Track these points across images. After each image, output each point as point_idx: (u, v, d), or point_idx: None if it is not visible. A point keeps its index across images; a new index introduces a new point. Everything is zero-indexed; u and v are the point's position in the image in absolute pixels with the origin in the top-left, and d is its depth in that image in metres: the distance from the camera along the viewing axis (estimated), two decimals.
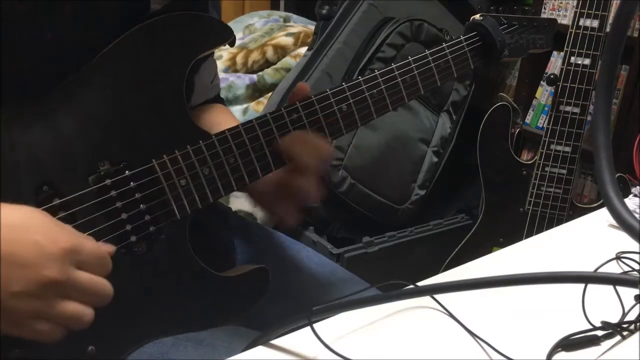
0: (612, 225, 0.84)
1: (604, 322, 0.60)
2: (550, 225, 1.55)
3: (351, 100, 0.77)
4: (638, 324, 0.60)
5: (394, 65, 0.81)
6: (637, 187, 0.96)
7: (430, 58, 0.83)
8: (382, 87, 0.79)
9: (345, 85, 0.77)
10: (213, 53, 0.88)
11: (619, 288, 0.66)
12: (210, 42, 0.70)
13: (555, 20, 0.99)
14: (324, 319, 0.61)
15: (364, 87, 0.78)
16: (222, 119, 0.84)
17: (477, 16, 0.90)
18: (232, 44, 0.75)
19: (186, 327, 0.70)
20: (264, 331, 0.60)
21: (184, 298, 0.70)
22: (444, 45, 0.85)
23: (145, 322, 0.67)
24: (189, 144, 0.67)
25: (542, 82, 1.91)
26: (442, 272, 0.73)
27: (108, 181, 0.63)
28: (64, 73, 0.63)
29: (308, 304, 0.56)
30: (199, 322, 0.71)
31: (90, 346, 0.63)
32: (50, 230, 0.55)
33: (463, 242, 1.65)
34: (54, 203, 0.60)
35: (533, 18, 0.95)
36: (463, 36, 0.88)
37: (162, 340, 0.68)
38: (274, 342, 0.58)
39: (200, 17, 0.70)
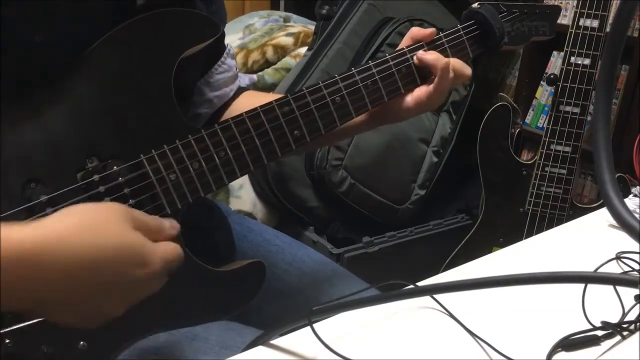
0: (612, 225, 0.84)
1: (604, 322, 0.60)
2: (550, 225, 1.55)
3: (344, 92, 0.76)
4: (638, 324, 0.60)
5: (388, 56, 0.80)
6: (637, 187, 0.96)
7: (426, 48, 0.82)
8: (377, 77, 0.78)
9: (337, 77, 0.76)
10: (231, 70, 0.90)
11: (619, 288, 0.66)
12: (197, 38, 0.70)
13: (558, 7, 0.96)
14: (324, 319, 0.61)
15: (357, 77, 0.77)
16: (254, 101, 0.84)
17: (475, 4, 0.87)
18: (220, 39, 0.75)
19: (180, 322, 0.70)
20: (264, 331, 0.60)
21: (177, 293, 0.68)
22: (441, 34, 0.83)
23: (138, 318, 0.66)
24: (179, 138, 0.67)
25: (542, 82, 1.91)
26: (442, 272, 0.73)
27: (96, 177, 0.63)
28: (51, 70, 0.63)
29: (308, 303, 0.56)
30: (193, 317, 0.71)
31: (82, 342, 0.62)
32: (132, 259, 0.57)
33: (463, 242, 1.65)
34: (41, 199, 0.60)
35: (534, 5, 0.92)
36: (460, 25, 0.86)
37: (156, 335, 0.69)
38: (274, 342, 0.58)
39: (186, 13, 0.70)
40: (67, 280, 0.52)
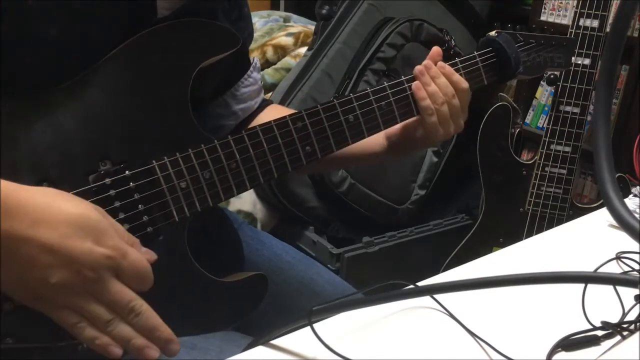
0: (612, 225, 0.85)
1: (604, 322, 0.60)
2: (550, 225, 1.55)
3: (358, 112, 0.77)
4: (638, 324, 0.60)
5: (404, 78, 0.81)
6: (637, 187, 0.96)
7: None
8: (392, 99, 0.79)
9: (353, 96, 0.77)
10: (256, 83, 0.90)
11: (619, 288, 0.66)
12: (216, 49, 0.70)
13: (574, 39, 0.96)
14: (324, 319, 0.61)
15: (372, 98, 0.78)
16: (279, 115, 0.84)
17: (492, 32, 0.89)
18: (243, 52, 0.74)
19: (179, 331, 0.68)
20: (264, 331, 0.60)
21: (179, 302, 0.69)
22: (457, 60, 0.84)
23: None
24: (192, 147, 0.67)
25: (542, 82, 1.91)
26: (442, 272, 0.73)
27: (107, 180, 0.63)
28: (68, 72, 0.63)
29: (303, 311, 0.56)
30: (193, 326, 0.70)
31: (82, 344, 0.61)
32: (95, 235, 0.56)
33: (463, 242, 1.65)
34: None
35: (551, 37, 0.94)
36: (477, 52, 0.87)
37: None
38: (274, 342, 0.59)
39: (207, 24, 0.70)
40: (29, 228, 0.53)
